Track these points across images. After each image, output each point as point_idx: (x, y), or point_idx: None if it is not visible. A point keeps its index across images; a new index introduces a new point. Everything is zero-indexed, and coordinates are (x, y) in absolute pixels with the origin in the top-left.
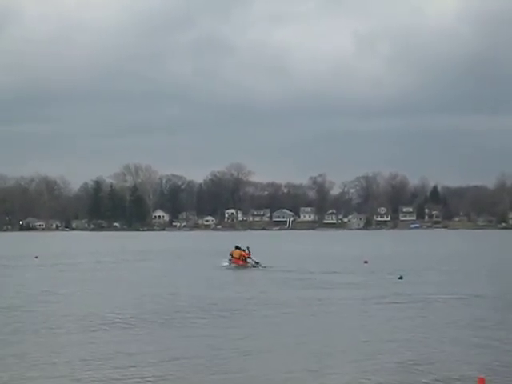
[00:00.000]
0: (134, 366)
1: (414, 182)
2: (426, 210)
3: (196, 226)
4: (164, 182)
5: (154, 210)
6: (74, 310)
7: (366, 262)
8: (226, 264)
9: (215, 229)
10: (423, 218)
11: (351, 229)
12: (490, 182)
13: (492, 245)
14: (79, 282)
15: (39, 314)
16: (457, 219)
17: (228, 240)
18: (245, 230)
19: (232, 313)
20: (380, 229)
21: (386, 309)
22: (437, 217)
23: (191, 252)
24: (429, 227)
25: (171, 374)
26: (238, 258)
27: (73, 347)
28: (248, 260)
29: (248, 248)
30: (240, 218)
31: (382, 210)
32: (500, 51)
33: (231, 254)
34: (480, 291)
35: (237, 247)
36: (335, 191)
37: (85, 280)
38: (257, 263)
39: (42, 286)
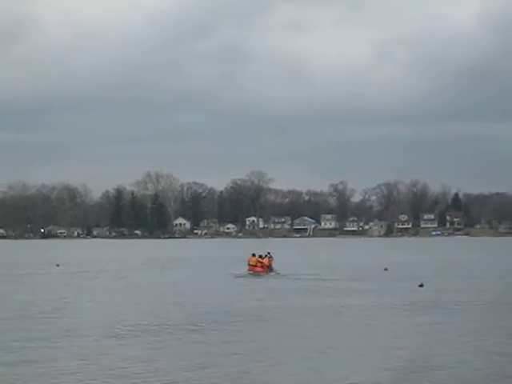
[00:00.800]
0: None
1: (435, 189)
2: (448, 218)
3: (217, 234)
4: (185, 189)
5: (175, 217)
6: (100, 318)
7: (386, 269)
8: (239, 272)
9: (236, 236)
10: (445, 225)
11: (372, 236)
12: (511, 189)
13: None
14: (102, 290)
15: (64, 322)
16: (478, 226)
17: (249, 247)
18: (266, 237)
19: (252, 321)
20: (401, 236)
21: (405, 315)
22: (458, 224)
23: (212, 260)
24: (450, 234)
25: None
26: (255, 265)
27: (104, 353)
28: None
29: (269, 253)
30: (261, 226)
31: (403, 217)
32: None
33: (248, 262)
34: (502, 299)
35: (253, 254)
36: (356, 198)
37: (108, 288)
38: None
39: (62, 294)
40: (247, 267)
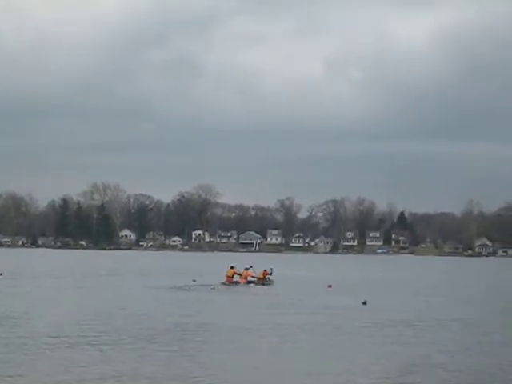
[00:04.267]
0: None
1: (381, 207)
2: (393, 236)
3: (163, 246)
4: (132, 201)
5: (121, 229)
6: (43, 329)
7: (330, 286)
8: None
9: (182, 249)
10: (390, 243)
11: (318, 252)
12: (457, 209)
13: (458, 271)
14: (44, 299)
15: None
16: (423, 245)
17: (195, 261)
18: (212, 251)
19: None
20: (347, 253)
21: (343, 334)
22: (403, 243)
23: (158, 271)
24: (395, 253)
25: None
26: (231, 277)
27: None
28: (249, 278)
29: (251, 267)
30: (207, 240)
31: (349, 234)
32: (469, 76)
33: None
34: (449, 316)
35: (231, 267)
36: (302, 214)
37: (51, 298)
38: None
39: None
40: (225, 278)
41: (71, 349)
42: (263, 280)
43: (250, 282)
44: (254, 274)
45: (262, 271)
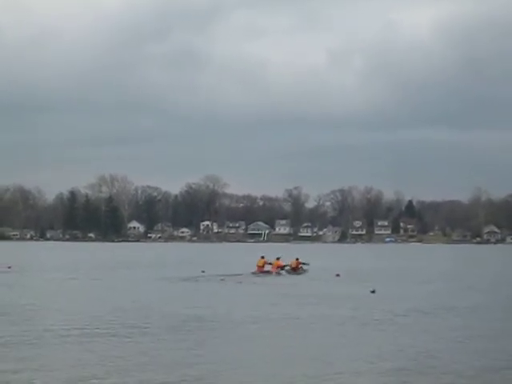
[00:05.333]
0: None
1: (389, 196)
2: (401, 224)
3: (171, 238)
4: (139, 192)
5: (129, 221)
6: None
7: (337, 275)
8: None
9: (190, 240)
10: (398, 232)
11: (326, 242)
12: (464, 196)
13: (466, 259)
14: (56, 292)
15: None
16: (431, 233)
17: (204, 252)
18: (220, 242)
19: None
20: (355, 242)
21: (352, 324)
22: (412, 231)
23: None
24: (403, 241)
25: None
26: (262, 266)
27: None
28: (279, 269)
29: (279, 258)
30: (215, 230)
31: (357, 223)
32: (473, 65)
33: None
34: (457, 303)
35: (262, 257)
36: (310, 204)
37: (62, 291)
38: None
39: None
40: (255, 268)
41: (81, 343)
42: (296, 269)
43: (282, 270)
44: (283, 264)
45: (294, 260)
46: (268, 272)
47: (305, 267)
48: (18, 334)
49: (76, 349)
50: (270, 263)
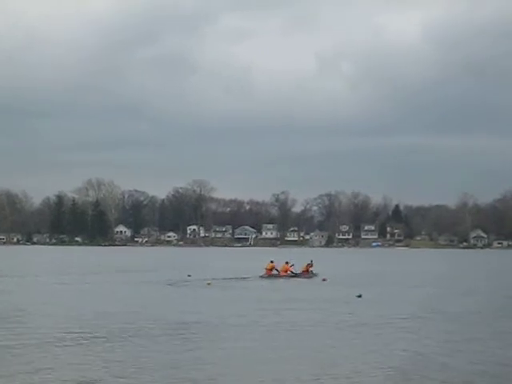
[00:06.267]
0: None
1: (376, 200)
2: (388, 229)
3: (158, 242)
4: (126, 197)
5: (116, 225)
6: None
7: (324, 279)
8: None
9: (177, 245)
10: (385, 236)
11: (313, 246)
12: (451, 201)
13: (451, 263)
14: (41, 298)
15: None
16: (418, 238)
17: (191, 256)
18: (207, 246)
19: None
20: (342, 246)
21: (338, 328)
22: (398, 235)
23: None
24: (390, 246)
25: None
26: (270, 270)
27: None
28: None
29: (288, 262)
30: (202, 235)
31: (344, 227)
32: (462, 70)
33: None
34: (440, 309)
35: (271, 261)
36: (297, 208)
37: (47, 294)
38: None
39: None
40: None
41: (65, 347)
42: (307, 273)
43: (292, 275)
44: (292, 269)
45: (304, 264)
46: (276, 275)
47: (314, 270)
48: (4, 338)
49: (62, 353)
50: (277, 270)
